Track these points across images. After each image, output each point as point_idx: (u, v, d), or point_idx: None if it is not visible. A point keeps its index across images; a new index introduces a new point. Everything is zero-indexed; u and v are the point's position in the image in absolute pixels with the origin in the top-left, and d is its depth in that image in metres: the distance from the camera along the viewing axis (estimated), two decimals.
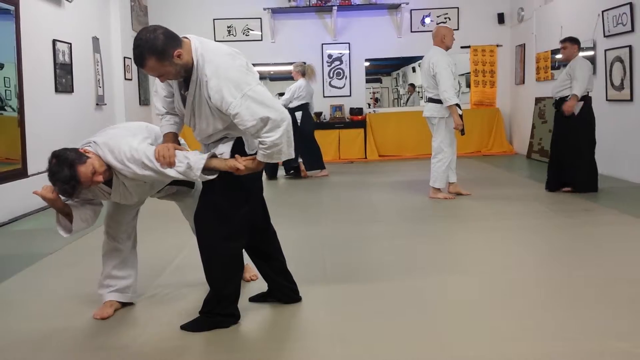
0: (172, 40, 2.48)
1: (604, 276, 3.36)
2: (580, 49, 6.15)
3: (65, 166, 2.58)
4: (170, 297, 3.23)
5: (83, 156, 2.63)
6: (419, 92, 15.77)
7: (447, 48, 5.97)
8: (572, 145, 5.93)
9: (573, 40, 6.07)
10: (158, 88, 2.82)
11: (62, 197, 2.71)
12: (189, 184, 3.07)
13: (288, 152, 2.58)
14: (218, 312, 2.75)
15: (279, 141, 2.50)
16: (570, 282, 3.28)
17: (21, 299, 3.35)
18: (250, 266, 3.39)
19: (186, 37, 2.58)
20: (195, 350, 2.56)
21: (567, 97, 5.89)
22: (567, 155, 5.97)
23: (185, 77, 2.58)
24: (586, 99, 5.90)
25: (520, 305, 2.96)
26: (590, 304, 2.93)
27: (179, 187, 3.08)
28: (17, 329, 2.87)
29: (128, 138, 2.69)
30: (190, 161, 2.59)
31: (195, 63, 2.51)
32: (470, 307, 2.94)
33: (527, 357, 2.36)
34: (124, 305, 3.06)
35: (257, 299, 3.09)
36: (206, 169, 2.60)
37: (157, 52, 2.43)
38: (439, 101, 5.87)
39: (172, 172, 2.61)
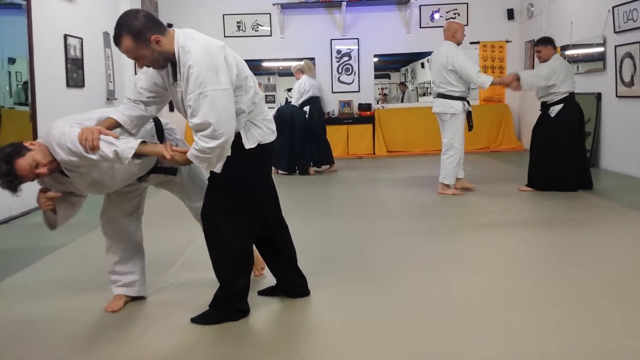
0: (151, 24, 2.47)
1: (611, 273, 3.37)
2: (555, 48, 6.05)
3: (2, 161, 2.54)
4: (180, 291, 3.27)
5: (23, 149, 2.56)
6: (423, 89, 15.72)
7: (458, 43, 5.96)
8: (545, 145, 5.84)
9: (545, 42, 5.99)
10: (140, 76, 2.74)
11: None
12: (172, 171, 2.98)
13: (215, 165, 2.54)
14: (228, 307, 2.78)
15: (209, 151, 2.44)
16: (577, 279, 3.28)
17: (34, 291, 3.40)
18: (258, 260, 3.42)
19: (173, 29, 2.56)
20: (205, 344, 2.59)
21: (547, 101, 5.84)
22: (541, 154, 5.89)
23: (165, 66, 2.56)
24: (566, 101, 5.79)
25: (527, 302, 2.98)
26: (598, 301, 2.94)
27: (166, 176, 3.01)
28: (29, 320, 2.92)
29: (64, 122, 2.61)
30: (118, 148, 2.51)
31: (177, 54, 2.47)
32: (477, 304, 2.96)
33: (534, 355, 2.37)
34: (133, 299, 3.10)
35: (266, 292, 3.12)
36: (137, 155, 2.55)
37: (133, 32, 2.43)
38: (449, 97, 5.86)
39: (96, 158, 2.52)
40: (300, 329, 2.74)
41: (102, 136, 2.52)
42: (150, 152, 2.59)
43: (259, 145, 2.66)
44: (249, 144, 2.63)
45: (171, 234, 4.53)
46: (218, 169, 2.57)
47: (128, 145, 2.54)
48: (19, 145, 2.59)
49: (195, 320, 2.78)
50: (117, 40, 2.46)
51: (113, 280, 3.06)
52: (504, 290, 3.17)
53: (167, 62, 2.55)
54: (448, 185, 6.00)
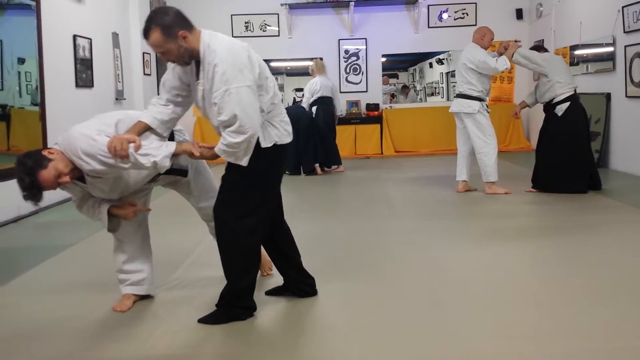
0: (181, 20, 2.56)
1: (622, 274, 3.35)
2: (545, 50, 6.17)
3: (25, 174, 2.55)
4: (188, 291, 3.28)
5: (45, 160, 2.57)
6: (431, 88, 15.70)
7: (484, 47, 5.95)
8: (553, 147, 5.78)
9: (539, 49, 6.11)
10: (169, 82, 2.80)
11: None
12: (182, 173, 3.02)
13: (242, 159, 2.60)
14: (235, 305, 2.79)
15: (237, 146, 2.53)
16: (587, 280, 3.27)
17: (43, 289, 3.43)
18: (265, 260, 3.43)
19: (199, 29, 2.63)
20: (213, 343, 2.60)
21: (552, 100, 5.82)
22: (549, 156, 5.84)
23: (189, 63, 2.64)
24: (572, 99, 5.74)
25: (537, 303, 2.96)
26: (609, 302, 2.92)
27: (175, 177, 3.04)
28: (38, 319, 2.94)
29: (87, 130, 2.63)
30: (157, 159, 2.58)
31: (202, 53, 2.56)
32: (486, 304, 2.95)
33: (544, 355, 2.36)
34: (142, 297, 3.11)
35: (273, 292, 3.12)
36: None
37: (162, 26, 2.51)
38: (467, 96, 5.87)
39: (128, 166, 2.60)
40: (307, 328, 2.74)
41: (138, 149, 2.57)
42: (181, 152, 2.67)
43: (274, 145, 2.70)
44: (265, 143, 2.67)
45: (180, 233, 4.55)
46: (244, 162, 2.61)
47: (164, 155, 2.60)
48: (39, 155, 2.60)
49: (203, 320, 2.79)
50: (147, 33, 2.54)
51: (121, 279, 3.07)
52: (514, 290, 3.16)
53: (191, 60, 2.62)
54: (494, 183, 5.93)
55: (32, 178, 2.55)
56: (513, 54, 5.82)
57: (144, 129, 2.72)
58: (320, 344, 2.55)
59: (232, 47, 2.56)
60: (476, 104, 5.84)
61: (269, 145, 2.69)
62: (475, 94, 5.85)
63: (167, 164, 2.61)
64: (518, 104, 6.34)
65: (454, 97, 6.10)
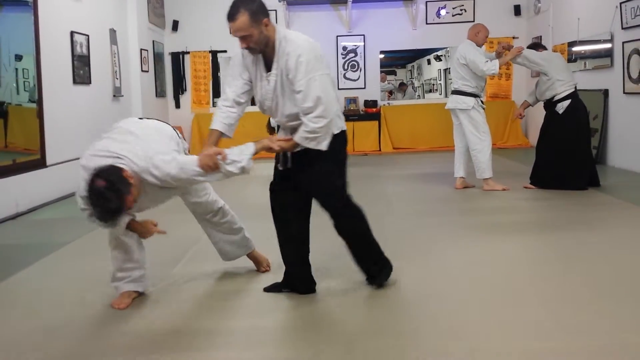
0: (264, 8, 2.71)
1: (621, 270, 3.35)
2: (545, 49, 6.16)
3: (116, 197, 2.53)
4: (187, 286, 3.28)
5: (129, 184, 2.58)
6: (429, 85, 15.70)
7: (479, 44, 5.96)
8: (554, 144, 5.77)
9: (537, 46, 6.09)
10: (235, 70, 2.87)
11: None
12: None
13: (323, 143, 2.75)
14: (387, 263, 3.12)
15: (319, 131, 2.70)
16: (586, 277, 3.27)
17: (41, 286, 3.42)
18: (263, 257, 3.47)
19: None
20: (212, 341, 2.60)
21: (553, 98, 5.82)
22: (550, 153, 5.84)
23: (261, 52, 2.74)
24: (573, 96, 5.73)
25: (536, 300, 2.97)
26: (609, 299, 2.93)
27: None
28: (37, 316, 2.94)
29: (167, 155, 2.71)
30: (243, 163, 2.70)
31: (277, 43, 2.71)
32: (484, 300, 2.95)
33: (544, 352, 2.37)
34: (139, 294, 3.10)
35: (272, 289, 3.13)
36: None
37: (251, 10, 2.64)
38: (462, 93, 5.89)
39: (221, 177, 2.72)
40: (308, 324, 2.74)
41: (225, 159, 2.68)
42: (260, 149, 2.77)
43: (342, 131, 2.90)
44: (336, 130, 2.85)
45: (179, 229, 4.54)
46: (324, 146, 2.76)
47: (248, 158, 2.72)
48: (125, 179, 2.58)
49: (382, 280, 3.10)
50: (235, 15, 2.64)
51: (120, 277, 3.05)
52: (513, 286, 3.17)
53: (264, 49, 2.73)
54: (489, 179, 5.93)
55: (121, 203, 2.55)
56: (519, 55, 5.83)
57: (219, 137, 2.86)
58: (323, 340, 2.55)
59: (309, 40, 2.77)
60: (471, 100, 5.85)
61: (338, 131, 2.86)
62: (470, 90, 5.87)
63: (251, 165, 2.72)
64: (520, 105, 6.30)
65: (451, 93, 6.11)
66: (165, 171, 2.66)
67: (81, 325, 2.79)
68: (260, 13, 2.67)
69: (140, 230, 2.90)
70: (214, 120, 2.87)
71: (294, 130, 2.82)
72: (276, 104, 2.80)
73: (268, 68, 2.77)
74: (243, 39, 2.67)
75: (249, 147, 2.73)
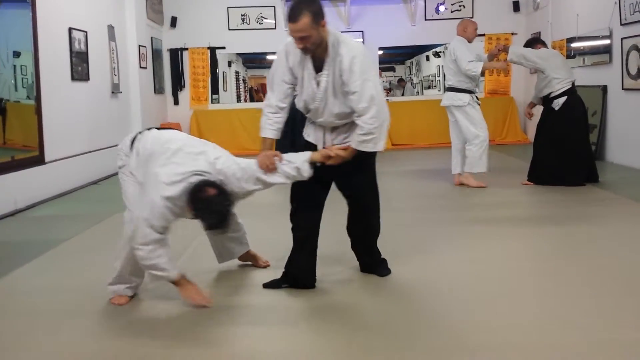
0: (323, 10, 2.76)
1: (619, 266, 3.36)
2: (545, 46, 6.11)
3: (228, 199, 2.65)
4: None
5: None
6: (428, 81, 15.69)
7: (469, 40, 5.97)
8: (551, 140, 5.78)
9: (536, 42, 6.08)
10: (278, 74, 2.90)
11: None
12: None
13: (379, 144, 2.85)
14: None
15: (375, 132, 2.78)
16: (585, 272, 3.28)
17: (40, 283, 3.42)
18: (258, 255, 3.50)
19: None
20: (211, 335, 2.61)
21: (549, 94, 5.80)
22: (547, 149, 5.84)
23: (315, 52, 2.78)
24: (569, 93, 5.73)
25: (533, 294, 2.98)
26: (607, 294, 2.93)
27: None
28: (35, 311, 2.94)
29: (234, 162, 2.82)
30: (298, 164, 2.81)
31: (330, 44, 2.77)
32: (481, 295, 2.96)
33: (540, 346, 2.37)
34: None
35: (271, 285, 3.13)
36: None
37: (313, 12, 2.68)
38: (456, 89, 5.89)
39: (281, 179, 2.83)
40: (308, 319, 2.74)
41: (282, 160, 2.82)
42: (318, 159, 2.86)
43: None
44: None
45: (177, 227, 4.54)
46: (381, 146, 2.87)
47: (302, 160, 2.83)
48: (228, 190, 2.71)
49: (385, 271, 3.26)
50: (297, 16, 2.67)
51: (123, 285, 2.98)
52: (510, 281, 3.18)
53: (318, 49, 2.78)
54: (473, 175, 5.96)
55: (231, 203, 2.70)
56: (509, 53, 5.84)
57: (272, 143, 2.97)
58: (319, 334, 2.55)
59: (360, 43, 2.93)
60: (466, 97, 5.86)
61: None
62: (464, 86, 5.88)
63: (307, 169, 2.81)
64: (527, 106, 6.22)
65: (445, 90, 6.12)
66: (229, 173, 2.75)
67: (80, 322, 2.79)
68: (320, 15, 2.71)
69: (187, 292, 2.83)
70: (263, 128, 2.94)
71: (335, 132, 2.96)
72: (325, 105, 2.86)
73: (317, 69, 2.82)
74: (301, 39, 2.71)
75: (306, 154, 2.85)
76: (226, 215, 2.66)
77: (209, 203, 2.60)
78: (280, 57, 2.91)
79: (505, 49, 5.99)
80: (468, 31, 5.96)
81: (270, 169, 2.79)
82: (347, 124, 2.93)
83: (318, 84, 2.82)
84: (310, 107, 2.91)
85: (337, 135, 2.98)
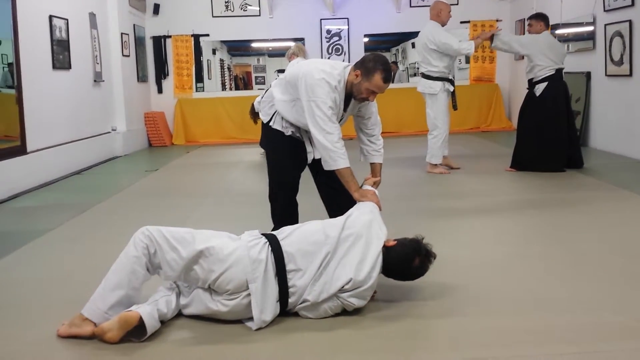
0: None
1: (600, 250, 3.41)
2: (548, 26, 6.10)
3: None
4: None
5: None
6: (413, 69, 15.60)
7: (443, 24, 5.97)
8: (532, 126, 5.83)
9: (537, 17, 6.07)
10: (333, 111, 3.21)
11: None
12: None
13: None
14: None
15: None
16: (567, 257, 3.32)
17: (22, 275, 3.39)
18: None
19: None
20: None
21: (532, 79, 5.83)
22: (528, 135, 5.88)
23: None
24: (550, 79, 5.77)
25: (516, 279, 3.00)
26: (587, 278, 2.97)
27: None
28: (20, 304, 2.91)
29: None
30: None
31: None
32: (463, 281, 2.97)
33: (521, 330, 2.40)
34: None
35: None
36: None
37: None
38: (429, 77, 5.95)
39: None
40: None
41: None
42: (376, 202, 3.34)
43: None
44: None
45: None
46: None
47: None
48: None
49: None
50: (390, 80, 3.14)
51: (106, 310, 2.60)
52: (493, 267, 3.20)
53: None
54: (436, 165, 6.05)
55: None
56: (496, 40, 5.83)
57: (380, 167, 3.58)
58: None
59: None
60: (438, 85, 5.92)
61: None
62: (435, 74, 5.91)
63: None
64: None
65: (420, 77, 6.19)
66: (369, 216, 3.13)
67: (62, 313, 2.77)
68: None
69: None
70: (344, 159, 3.37)
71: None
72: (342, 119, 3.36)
73: (345, 104, 3.27)
74: (375, 95, 3.14)
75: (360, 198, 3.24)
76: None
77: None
78: (331, 95, 3.13)
79: (490, 39, 5.95)
80: (442, 14, 5.96)
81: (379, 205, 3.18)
82: None
83: (344, 113, 3.41)
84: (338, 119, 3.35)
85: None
